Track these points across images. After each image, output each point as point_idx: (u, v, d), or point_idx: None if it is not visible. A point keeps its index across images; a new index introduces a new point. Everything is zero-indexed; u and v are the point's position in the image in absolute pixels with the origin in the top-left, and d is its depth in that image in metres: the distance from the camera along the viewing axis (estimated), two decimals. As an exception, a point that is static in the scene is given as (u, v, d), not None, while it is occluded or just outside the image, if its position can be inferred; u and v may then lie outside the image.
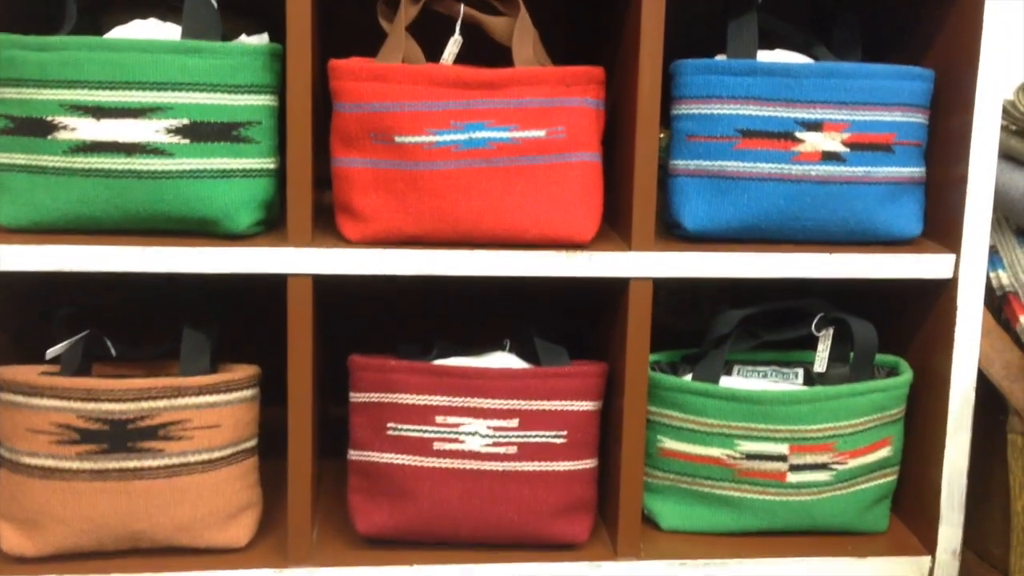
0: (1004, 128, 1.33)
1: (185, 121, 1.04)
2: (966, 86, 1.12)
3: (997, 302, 1.25)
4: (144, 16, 1.12)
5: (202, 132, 1.05)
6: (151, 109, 1.03)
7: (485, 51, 1.13)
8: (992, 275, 1.26)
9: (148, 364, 1.19)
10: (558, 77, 1.09)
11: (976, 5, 1.11)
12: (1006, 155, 1.33)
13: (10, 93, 1.05)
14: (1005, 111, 1.33)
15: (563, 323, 1.33)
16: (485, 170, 1.07)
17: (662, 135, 1.15)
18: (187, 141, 1.05)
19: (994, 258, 1.27)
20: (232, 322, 1.21)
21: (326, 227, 1.14)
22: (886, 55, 1.27)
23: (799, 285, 1.19)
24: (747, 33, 1.14)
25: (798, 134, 1.11)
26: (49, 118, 1.04)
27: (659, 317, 1.15)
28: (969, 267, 1.14)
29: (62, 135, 1.04)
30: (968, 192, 1.13)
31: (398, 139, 1.06)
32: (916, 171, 1.15)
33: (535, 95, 1.08)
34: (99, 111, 1.03)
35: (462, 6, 1.13)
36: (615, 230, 1.18)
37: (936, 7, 1.19)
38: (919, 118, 1.15)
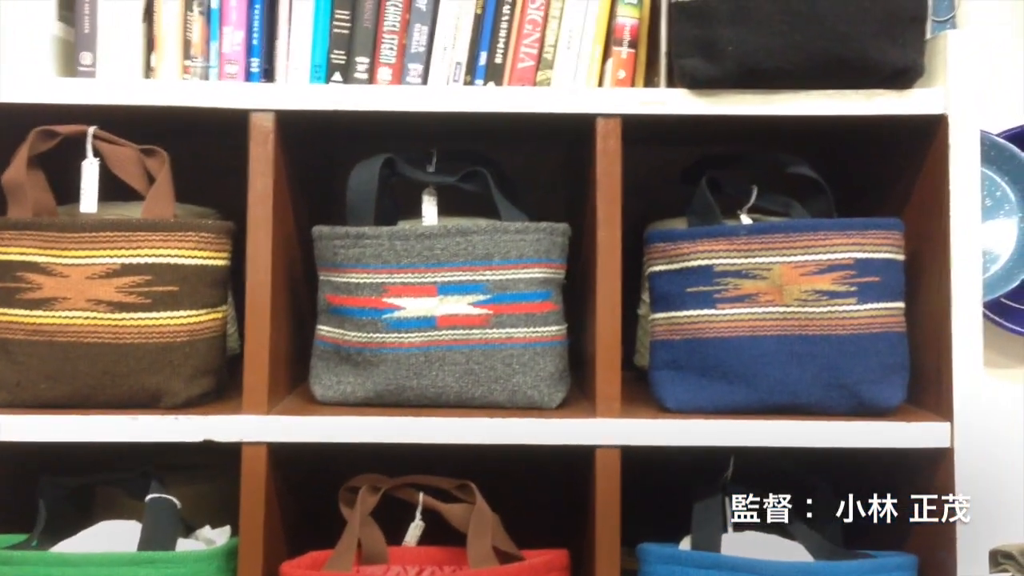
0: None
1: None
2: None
3: None
4: (131, 491, 1.16)
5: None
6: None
7: (449, 529, 1.12)
8: None
9: None
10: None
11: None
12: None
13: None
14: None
15: None
16: None
17: None
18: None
19: None
20: None
21: None
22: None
23: None
24: (712, 519, 1.10)
25: (770, 638, 1.04)
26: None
27: None
28: None
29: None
30: None
31: (346, 653, 1.04)
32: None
33: (489, 595, 1.05)
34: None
35: (421, 495, 1.13)
36: None
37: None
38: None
